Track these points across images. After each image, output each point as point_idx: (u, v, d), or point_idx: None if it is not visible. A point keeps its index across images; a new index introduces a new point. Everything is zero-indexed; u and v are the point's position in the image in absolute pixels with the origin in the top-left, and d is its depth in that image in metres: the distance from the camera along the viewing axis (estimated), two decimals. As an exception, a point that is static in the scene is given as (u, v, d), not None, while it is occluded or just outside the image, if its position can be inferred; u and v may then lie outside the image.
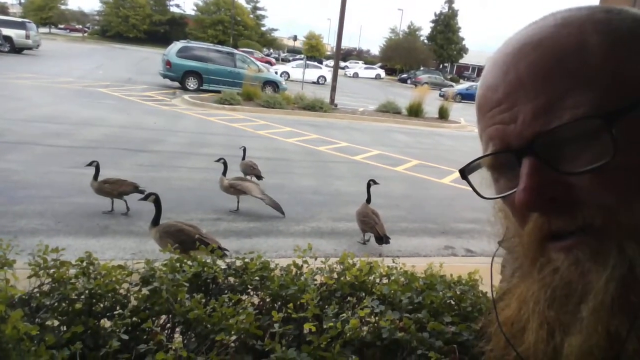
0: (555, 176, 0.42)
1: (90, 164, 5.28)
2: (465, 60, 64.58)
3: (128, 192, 5.34)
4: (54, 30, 61.57)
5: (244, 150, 6.95)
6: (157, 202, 4.00)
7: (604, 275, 0.40)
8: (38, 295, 1.89)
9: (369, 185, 5.34)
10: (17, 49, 24.96)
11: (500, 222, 0.54)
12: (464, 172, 0.51)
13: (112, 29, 56.67)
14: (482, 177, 0.52)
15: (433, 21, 61.34)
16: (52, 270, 1.94)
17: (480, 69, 64.18)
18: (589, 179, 0.41)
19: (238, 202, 5.83)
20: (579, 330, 0.42)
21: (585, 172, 0.41)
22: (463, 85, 36.68)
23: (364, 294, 2.16)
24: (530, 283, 0.47)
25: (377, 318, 1.98)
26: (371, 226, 4.97)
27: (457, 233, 5.88)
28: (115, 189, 5.25)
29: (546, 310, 0.45)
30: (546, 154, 0.43)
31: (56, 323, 1.80)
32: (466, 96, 29.40)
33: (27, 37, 25.19)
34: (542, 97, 0.43)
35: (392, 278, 2.34)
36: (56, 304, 1.84)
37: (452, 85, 36.87)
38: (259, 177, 6.78)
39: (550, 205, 0.43)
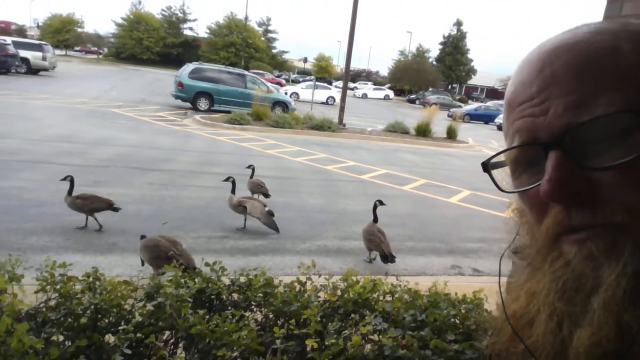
0: (581, 171, 0.43)
1: (64, 179, 5.28)
2: (474, 81, 64.81)
3: (101, 209, 5.30)
4: (70, 52, 63.10)
5: (253, 168, 7.02)
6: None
7: (615, 270, 0.41)
8: (44, 309, 1.91)
9: (375, 206, 5.35)
10: (33, 70, 25.59)
11: (515, 221, 0.55)
12: (487, 166, 0.52)
13: (127, 51, 57.89)
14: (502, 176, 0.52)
15: (442, 43, 61.82)
16: (58, 286, 1.97)
17: (489, 90, 64.34)
18: (614, 176, 0.42)
19: (245, 220, 5.86)
20: (589, 322, 0.42)
21: (611, 168, 0.42)
22: (472, 105, 36.81)
23: (367, 312, 2.16)
24: (540, 277, 0.47)
25: (380, 336, 1.98)
26: (377, 244, 4.96)
27: (465, 252, 5.84)
28: (87, 204, 5.21)
29: (556, 301, 0.45)
30: (574, 148, 0.43)
31: (61, 338, 1.82)
32: (474, 117, 29.46)
33: (44, 58, 25.82)
34: (575, 92, 0.44)
35: (396, 296, 2.34)
36: (62, 319, 1.86)
37: (460, 106, 36.94)
38: (267, 196, 6.82)
39: (574, 199, 0.43)
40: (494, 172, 0.52)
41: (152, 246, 3.89)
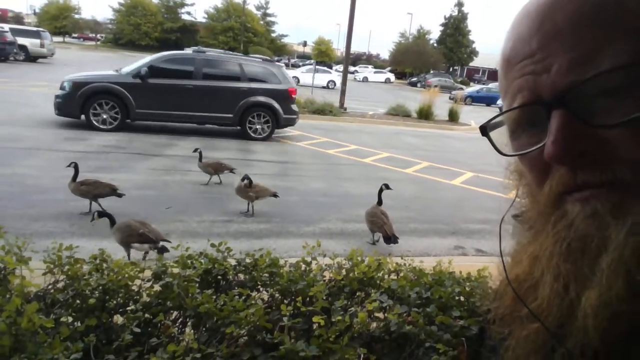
0: (588, 130, 0.41)
1: (69, 165, 5.30)
2: (476, 63, 64.24)
3: (105, 194, 5.33)
4: (67, 39, 62.64)
5: (200, 152, 6.93)
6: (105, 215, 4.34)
7: (623, 229, 0.39)
8: (52, 291, 1.93)
9: (381, 190, 5.33)
10: (32, 58, 25.47)
11: (514, 183, 0.53)
12: (485, 129, 0.50)
13: (125, 37, 57.39)
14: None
15: (443, 24, 61.22)
16: (66, 267, 1.99)
17: (490, 72, 63.80)
18: (622, 133, 0.40)
19: (248, 205, 5.87)
20: (597, 283, 0.40)
21: (621, 125, 0.39)
22: (473, 88, 36.60)
23: (372, 290, 2.18)
24: (543, 239, 0.46)
25: (385, 314, 1.99)
26: (379, 226, 4.97)
27: (468, 233, 5.85)
28: (91, 190, 5.22)
29: (561, 264, 0.43)
30: (579, 106, 0.41)
31: (70, 319, 1.84)
32: (476, 99, 29.31)
33: (42, 45, 25.70)
34: (580, 47, 0.41)
35: (401, 274, 2.35)
36: (70, 300, 1.88)
37: (462, 88, 36.61)
38: (232, 171, 6.86)
39: (580, 160, 0.42)
40: (493, 134, 0.50)
41: (124, 227, 4.15)
